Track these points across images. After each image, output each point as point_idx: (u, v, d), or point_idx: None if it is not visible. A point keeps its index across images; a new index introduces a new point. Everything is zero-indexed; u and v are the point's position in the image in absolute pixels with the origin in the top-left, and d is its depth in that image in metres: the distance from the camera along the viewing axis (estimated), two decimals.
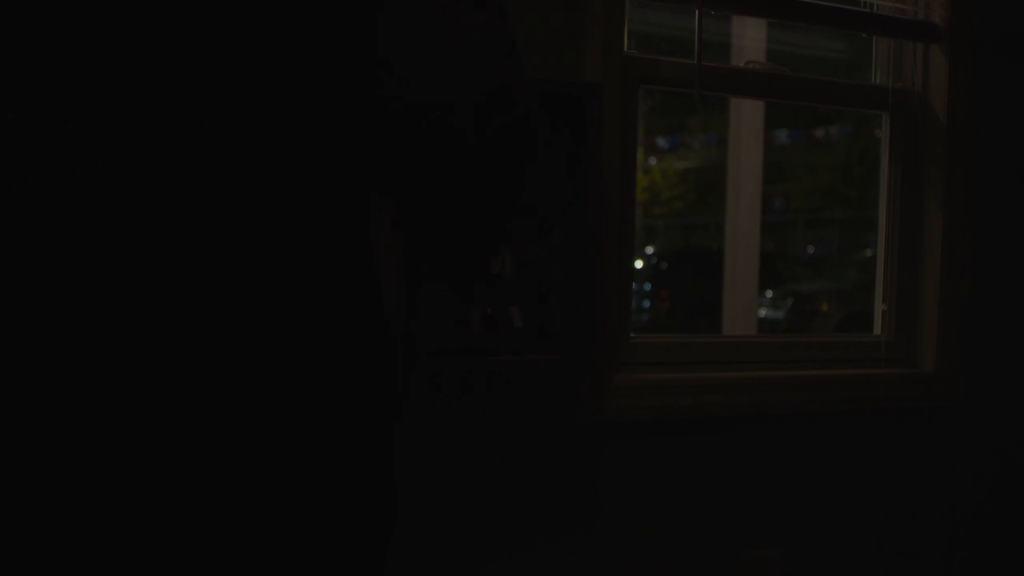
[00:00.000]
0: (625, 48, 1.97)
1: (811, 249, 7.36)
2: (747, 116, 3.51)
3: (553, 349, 1.85)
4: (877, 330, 2.33)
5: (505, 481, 1.89)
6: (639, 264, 7.72)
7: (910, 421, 2.28)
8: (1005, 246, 2.36)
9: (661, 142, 8.20)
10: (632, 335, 2.04)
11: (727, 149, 3.75)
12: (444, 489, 1.84)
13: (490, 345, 1.81)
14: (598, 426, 1.95)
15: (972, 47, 2.26)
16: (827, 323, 6.17)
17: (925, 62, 2.28)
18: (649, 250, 7.90)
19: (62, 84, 0.71)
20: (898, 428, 2.26)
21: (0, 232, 0.71)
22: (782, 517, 2.15)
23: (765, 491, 2.13)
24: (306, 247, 0.78)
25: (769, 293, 6.68)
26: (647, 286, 7.58)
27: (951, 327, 2.28)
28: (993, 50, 2.30)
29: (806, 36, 3.03)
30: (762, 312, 6.62)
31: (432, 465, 1.82)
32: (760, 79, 2.17)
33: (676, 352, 2.10)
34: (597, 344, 1.90)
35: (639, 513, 2.01)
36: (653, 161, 8.38)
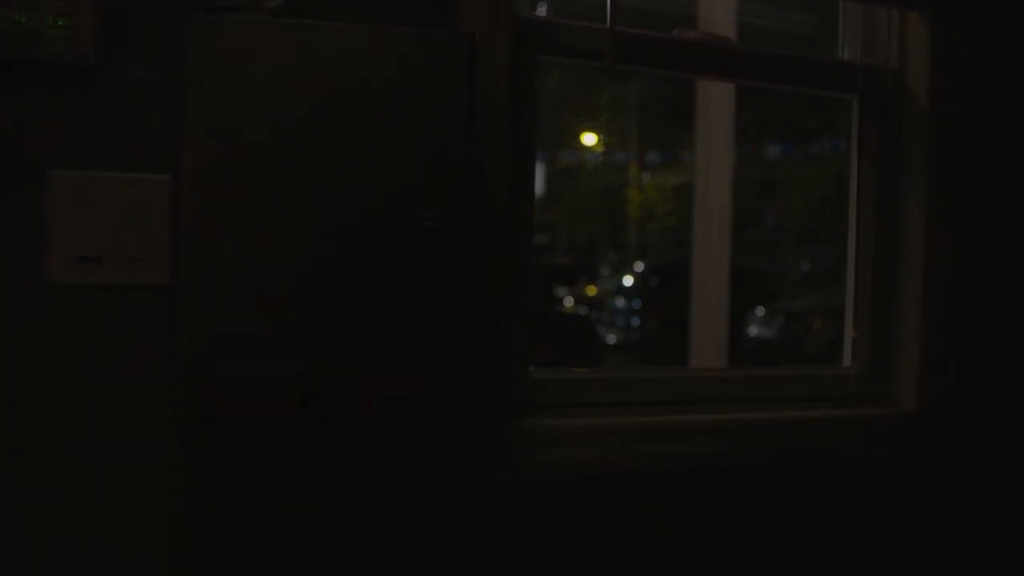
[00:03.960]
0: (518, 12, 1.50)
1: (805, 266, 6.91)
2: (716, 121, 3.05)
3: (411, 388, 1.35)
4: (847, 360, 1.83)
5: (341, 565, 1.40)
6: (628, 281, 7.26)
7: (887, 471, 1.77)
8: (1001, 255, 1.86)
9: (654, 156, 7.77)
10: (532, 369, 1.56)
11: (696, 159, 3.28)
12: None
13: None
14: (476, 487, 1.46)
15: (958, 14, 1.77)
16: (819, 341, 5.70)
17: (902, 34, 1.78)
18: (639, 266, 7.45)
19: None
20: (873, 480, 1.76)
21: None
22: None
23: (699, 563, 1.63)
24: None
25: (761, 311, 6.24)
26: (636, 303, 7.11)
27: (936, 356, 1.77)
28: (984, 19, 1.81)
29: (780, 9, 2.54)
30: (753, 330, 6.17)
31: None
32: (692, 51, 1.68)
33: (588, 390, 1.61)
34: (478, 384, 1.42)
35: None
36: (647, 177, 7.96)
